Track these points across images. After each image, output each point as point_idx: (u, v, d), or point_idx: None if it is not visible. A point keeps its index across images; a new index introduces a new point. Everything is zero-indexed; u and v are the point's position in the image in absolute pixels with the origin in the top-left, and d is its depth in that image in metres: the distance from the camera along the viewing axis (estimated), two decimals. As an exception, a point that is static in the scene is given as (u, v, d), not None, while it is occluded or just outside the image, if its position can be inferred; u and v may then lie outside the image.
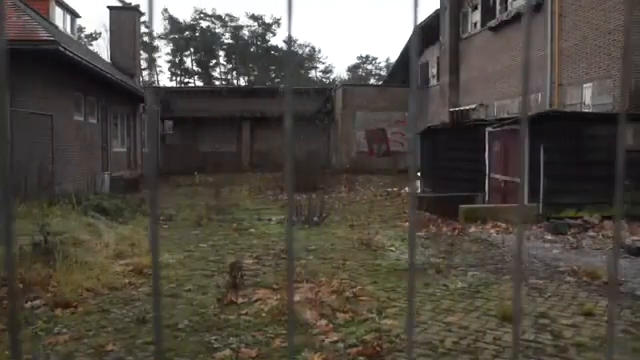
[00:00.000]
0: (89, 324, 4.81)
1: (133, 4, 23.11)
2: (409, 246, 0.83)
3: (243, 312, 5.07)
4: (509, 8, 17.89)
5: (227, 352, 4.17)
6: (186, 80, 59.55)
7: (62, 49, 11.63)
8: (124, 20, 22.46)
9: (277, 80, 57.27)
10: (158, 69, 58.26)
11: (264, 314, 4.98)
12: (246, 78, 60.06)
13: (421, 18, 26.17)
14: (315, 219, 10.55)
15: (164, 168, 25.40)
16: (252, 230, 10.16)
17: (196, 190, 17.46)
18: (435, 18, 22.95)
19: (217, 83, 56.39)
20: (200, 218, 11.15)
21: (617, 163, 0.82)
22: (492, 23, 18.69)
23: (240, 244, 8.73)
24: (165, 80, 60.64)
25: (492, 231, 9.63)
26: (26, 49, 11.63)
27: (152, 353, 4.20)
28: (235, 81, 59.39)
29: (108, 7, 22.70)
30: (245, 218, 11.48)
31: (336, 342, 4.34)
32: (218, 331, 4.62)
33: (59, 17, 18.08)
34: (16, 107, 11.87)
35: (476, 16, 20.55)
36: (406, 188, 17.73)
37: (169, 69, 59.96)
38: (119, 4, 23.10)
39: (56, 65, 12.52)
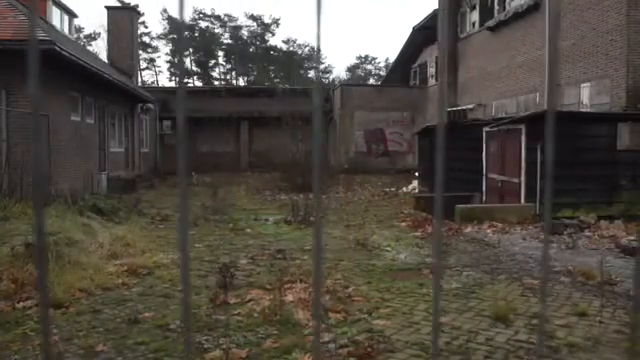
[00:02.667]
0: (80, 324, 4.79)
1: (132, 4, 23.12)
2: (315, 257, 0.81)
3: (235, 312, 5.05)
4: (507, 8, 17.87)
5: (217, 353, 4.15)
6: (185, 80, 59.51)
7: (58, 49, 11.60)
8: (122, 20, 22.46)
9: (277, 80, 57.27)
10: (157, 69, 58.24)
11: (256, 314, 4.96)
12: (245, 78, 60.08)
13: (419, 18, 26.18)
14: (312, 219, 10.54)
15: (162, 168, 25.41)
16: (248, 230, 10.14)
17: (194, 190, 17.43)
18: (433, 18, 22.91)
19: (216, 83, 56.41)
20: (197, 218, 11.12)
21: (546, 163, 0.81)
22: (490, 23, 18.67)
23: (236, 244, 8.71)
24: (164, 80, 60.74)
25: (488, 231, 9.61)
26: (23, 49, 11.59)
27: (142, 353, 4.18)
28: (234, 81, 59.41)
29: (106, 7, 22.70)
30: (242, 218, 11.46)
31: (327, 342, 4.32)
32: (209, 331, 4.59)
33: (56, 17, 18.06)
34: (12, 107, 11.86)
35: (474, 16, 20.53)
36: (404, 188, 17.71)
37: (168, 69, 60.07)
38: (117, 4, 23.10)
39: (53, 65, 12.49)
